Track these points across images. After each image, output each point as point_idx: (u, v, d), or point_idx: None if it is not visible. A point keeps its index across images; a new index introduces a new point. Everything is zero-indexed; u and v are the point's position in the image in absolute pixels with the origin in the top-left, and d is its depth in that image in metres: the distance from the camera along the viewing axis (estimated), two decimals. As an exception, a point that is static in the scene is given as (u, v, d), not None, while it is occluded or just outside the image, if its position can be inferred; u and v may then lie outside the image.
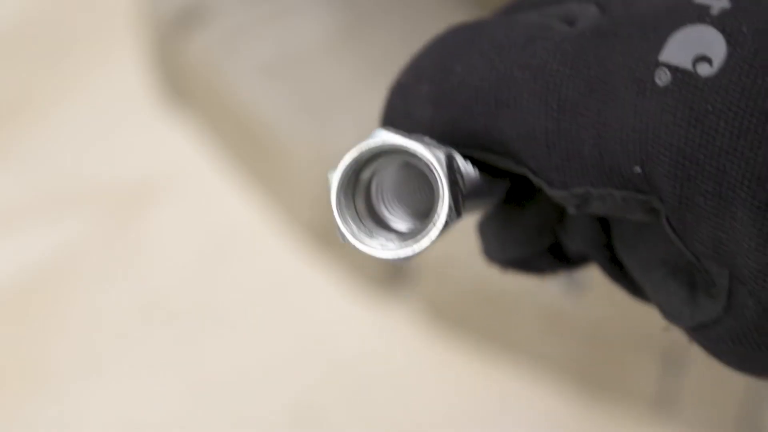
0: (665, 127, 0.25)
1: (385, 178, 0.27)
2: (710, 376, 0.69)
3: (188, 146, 0.91)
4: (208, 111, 0.90)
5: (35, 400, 0.76)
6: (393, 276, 0.80)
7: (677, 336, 0.70)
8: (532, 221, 0.30)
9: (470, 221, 0.35)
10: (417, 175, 0.27)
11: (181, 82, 0.92)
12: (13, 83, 0.98)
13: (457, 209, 0.25)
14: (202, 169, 0.90)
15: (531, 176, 0.28)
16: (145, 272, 0.83)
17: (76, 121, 0.94)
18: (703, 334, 0.28)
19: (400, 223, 0.27)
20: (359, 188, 0.26)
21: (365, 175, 0.26)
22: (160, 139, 0.92)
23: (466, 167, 0.27)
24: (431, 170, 0.25)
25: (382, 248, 0.26)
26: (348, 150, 0.26)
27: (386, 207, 0.27)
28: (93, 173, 0.91)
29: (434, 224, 0.25)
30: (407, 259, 0.25)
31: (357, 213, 0.26)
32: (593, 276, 0.69)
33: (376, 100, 0.89)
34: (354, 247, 0.26)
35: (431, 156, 0.25)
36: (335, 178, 0.26)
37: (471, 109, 0.28)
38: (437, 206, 0.25)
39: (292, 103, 0.82)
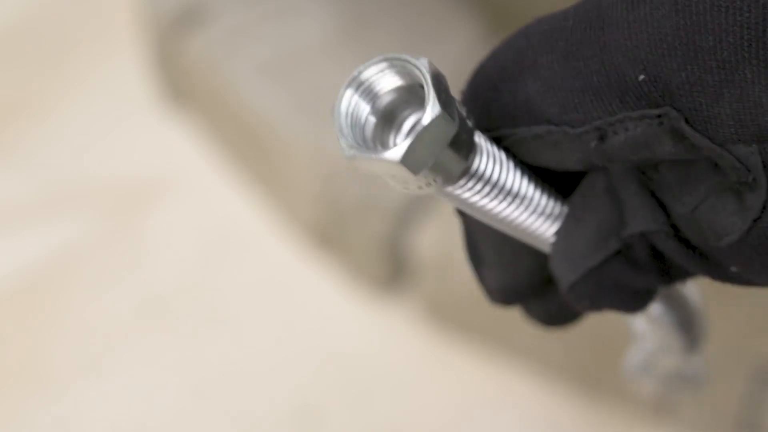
0: (656, 23, 0.26)
1: (407, 116, 0.29)
2: (710, 377, 0.69)
3: (188, 146, 0.91)
4: (208, 111, 0.90)
5: (36, 399, 0.76)
6: (393, 276, 0.80)
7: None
8: (593, 226, 0.31)
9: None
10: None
11: (181, 81, 0.92)
12: (14, 83, 0.98)
13: (447, 110, 0.26)
14: (202, 168, 0.90)
15: (554, 129, 0.29)
16: (145, 271, 0.83)
17: (77, 121, 0.94)
18: (757, 233, 0.28)
19: None
20: (396, 122, 0.28)
21: (381, 105, 0.28)
22: (161, 139, 0.92)
23: (484, 140, 0.29)
24: (420, 80, 0.27)
25: (376, 153, 0.27)
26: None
27: (396, 137, 0.29)
28: (93, 173, 0.91)
29: (421, 121, 0.26)
30: (389, 159, 0.26)
31: (362, 130, 0.28)
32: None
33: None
34: (350, 156, 0.27)
35: (414, 59, 0.27)
36: (339, 92, 0.28)
37: (501, 87, 0.30)
38: (427, 103, 0.26)
39: (292, 103, 0.82)
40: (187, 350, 0.79)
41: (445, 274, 0.75)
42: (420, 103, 0.28)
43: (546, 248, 0.33)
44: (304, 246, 0.83)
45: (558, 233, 0.32)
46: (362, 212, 0.78)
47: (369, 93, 0.28)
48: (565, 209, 0.32)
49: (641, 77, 0.27)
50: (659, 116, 0.27)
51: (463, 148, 0.27)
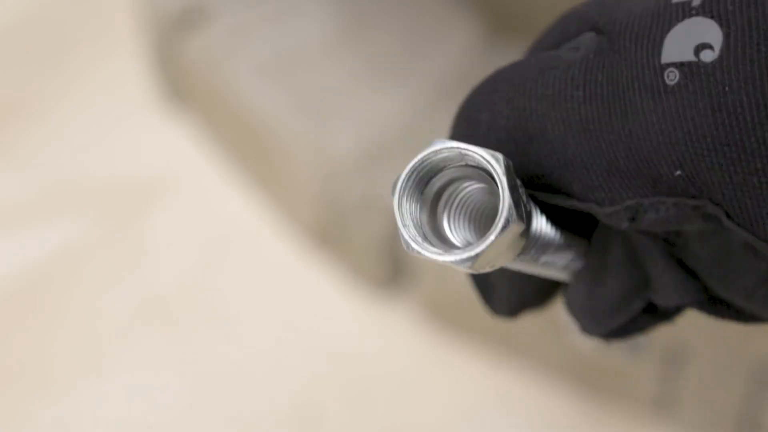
0: (691, 122, 0.25)
1: (459, 193, 0.28)
2: (710, 376, 0.69)
3: (188, 146, 0.91)
4: (209, 111, 0.90)
5: (36, 399, 0.76)
6: (393, 276, 0.80)
7: (677, 337, 0.70)
8: (615, 292, 0.30)
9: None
10: (490, 197, 0.28)
11: (181, 82, 0.92)
12: (14, 83, 0.98)
13: (519, 213, 0.25)
14: (202, 168, 0.90)
15: (578, 204, 0.28)
16: (145, 271, 0.83)
17: (77, 121, 0.94)
18: None
19: (460, 240, 0.28)
20: (425, 200, 0.27)
21: (432, 187, 0.27)
22: (161, 139, 0.92)
23: (530, 203, 0.28)
24: (491, 174, 0.25)
25: (444, 252, 0.26)
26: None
27: (450, 222, 0.28)
28: (93, 173, 0.91)
29: (496, 224, 0.25)
30: (466, 261, 0.25)
31: (421, 222, 0.27)
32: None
33: (375, 100, 0.89)
34: (416, 253, 0.26)
35: (488, 155, 0.25)
36: (398, 186, 0.26)
37: (504, 148, 0.28)
38: (500, 205, 0.25)
39: (292, 103, 0.82)
40: (187, 350, 0.79)
41: (445, 274, 0.75)
42: (473, 177, 0.27)
43: (560, 275, 0.32)
44: (304, 246, 0.83)
45: (575, 291, 0.32)
46: (362, 212, 0.78)
47: (423, 180, 0.27)
48: (581, 248, 0.31)
49: (677, 173, 0.26)
50: (696, 207, 0.26)
51: (526, 231, 0.27)
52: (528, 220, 0.26)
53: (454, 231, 0.28)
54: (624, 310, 0.31)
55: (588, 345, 0.69)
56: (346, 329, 0.79)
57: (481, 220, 0.28)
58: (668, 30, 0.26)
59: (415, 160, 0.26)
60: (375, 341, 0.78)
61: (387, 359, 0.77)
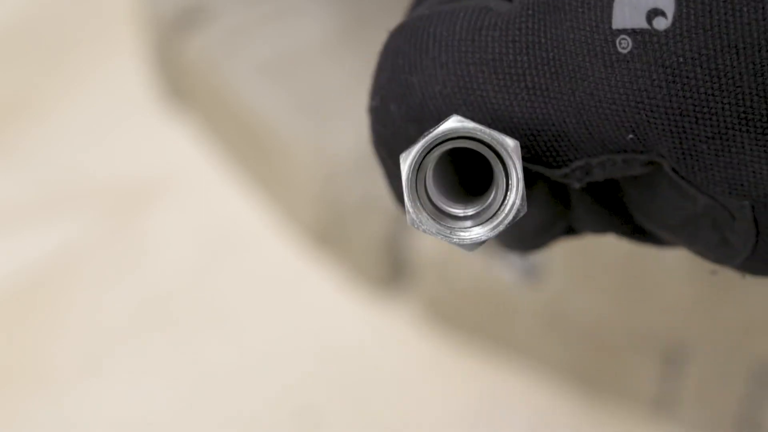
0: (645, 91, 0.25)
1: (429, 163, 0.26)
2: (710, 376, 0.69)
3: (188, 146, 0.91)
4: (208, 111, 0.90)
5: (36, 399, 0.76)
6: (393, 276, 0.80)
7: (677, 337, 0.70)
8: (538, 217, 0.30)
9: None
10: (450, 160, 0.27)
11: (181, 82, 0.92)
12: (14, 83, 0.98)
13: (527, 201, 0.25)
14: (202, 168, 0.90)
15: (528, 165, 0.28)
16: (145, 271, 0.83)
17: (77, 121, 0.94)
18: (747, 266, 0.28)
19: (453, 208, 0.27)
20: (420, 174, 0.26)
21: (427, 161, 0.26)
22: (160, 139, 0.92)
23: None
24: (502, 159, 0.25)
25: (448, 232, 0.25)
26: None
27: (435, 195, 0.27)
28: (93, 173, 0.91)
29: (506, 216, 0.25)
30: (472, 246, 0.25)
31: (420, 198, 0.26)
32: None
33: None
34: (426, 232, 0.25)
35: (510, 144, 0.25)
36: (408, 163, 0.25)
37: (444, 116, 0.27)
38: (512, 195, 0.25)
39: (292, 103, 0.82)
40: (187, 350, 0.79)
41: (445, 274, 0.75)
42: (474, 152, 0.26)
43: None
44: (304, 246, 0.83)
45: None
46: (362, 212, 0.78)
47: (431, 154, 0.26)
48: None
49: (630, 137, 0.25)
50: (644, 160, 0.26)
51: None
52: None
53: (435, 197, 0.26)
54: (547, 233, 0.31)
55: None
56: (345, 329, 0.79)
57: (447, 178, 0.27)
58: None
59: (431, 138, 0.25)
60: (375, 341, 0.78)
61: (387, 359, 0.77)
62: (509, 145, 0.25)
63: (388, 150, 0.29)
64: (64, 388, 0.77)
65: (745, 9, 0.24)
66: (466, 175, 0.29)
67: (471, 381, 0.75)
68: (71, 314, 0.81)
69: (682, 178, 0.26)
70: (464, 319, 0.77)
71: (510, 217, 0.25)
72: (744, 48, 0.24)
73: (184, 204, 0.88)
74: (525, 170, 0.27)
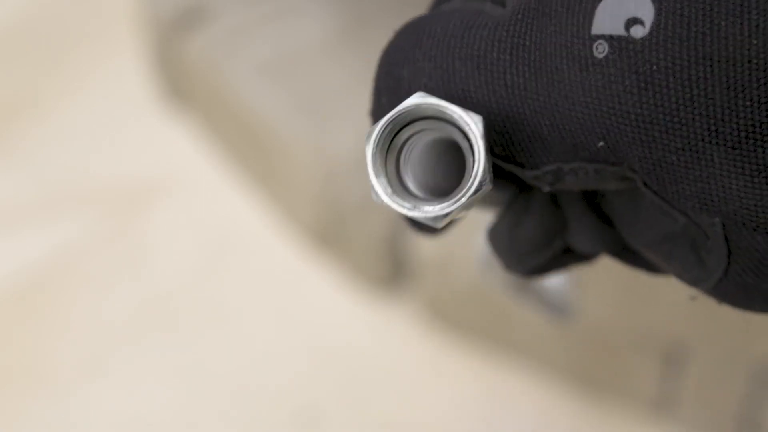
0: (617, 97, 0.25)
1: (415, 147, 0.27)
2: (710, 376, 0.69)
3: (188, 146, 0.91)
4: (209, 111, 0.90)
5: (37, 399, 0.76)
6: (393, 276, 0.80)
7: (677, 337, 0.70)
8: (536, 232, 0.31)
9: (471, 224, 0.35)
10: (444, 151, 0.27)
11: (181, 82, 0.92)
12: (14, 83, 0.98)
13: (491, 176, 0.25)
14: (202, 168, 0.90)
15: (501, 164, 0.28)
16: (145, 271, 0.83)
17: (78, 121, 0.94)
18: (720, 289, 0.28)
19: (415, 187, 0.27)
20: (392, 151, 0.27)
21: (399, 139, 0.27)
22: (161, 139, 0.92)
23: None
24: (466, 134, 0.25)
25: (413, 208, 0.26)
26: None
27: (410, 176, 0.27)
28: (93, 173, 0.91)
29: (470, 185, 0.25)
30: (435, 219, 0.25)
31: (388, 174, 0.26)
32: (587, 291, 0.69)
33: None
34: (387, 206, 0.26)
35: (468, 117, 0.25)
36: (373, 136, 0.26)
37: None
38: (474, 168, 0.25)
39: (292, 103, 0.82)
40: (187, 350, 0.79)
41: (445, 274, 0.75)
42: (440, 127, 0.26)
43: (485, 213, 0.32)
44: (304, 246, 0.83)
45: (498, 231, 0.32)
46: (362, 212, 0.78)
47: (396, 129, 0.26)
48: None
49: (600, 144, 0.26)
50: (615, 172, 0.26)
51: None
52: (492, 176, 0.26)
53: (410, 178, 0.27)
54: (543, 251, 0.31)
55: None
56: (345, 329, 0.79)
57: (437, 168, 0.28)
58: None
59: (394, 112, 0.26)
60: (375, 340, 0.78)
61: (387, 358, 0.77)
62: (470, 118, 0.25)
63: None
64: (64, 388, 0.77)
65: (723, 23, 0.24)
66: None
67: (471, 380, 0.75)
68: (72, 314, 0.81)
69: (654, 192, 0.26)
70: (464, 319, 0.77)
71: (473, 189, 0.25)
72: (719, 61, 0.24)
73: (185, 204, 0.88)
74: (499, 168, 0.28)
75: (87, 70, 0.98)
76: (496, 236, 0.32)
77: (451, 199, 0.25)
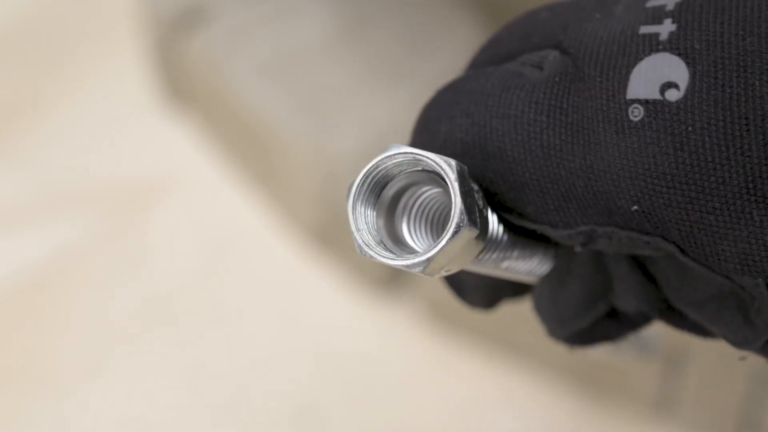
0: (653, 158, 0.25)
1: (417, 198, 0.28)
2: (710, 377, 0.69)
3: (189, 146, 0.91)
4: (209, 111, 0.90)
5: (37, 399, 0.76)
6: (393, 276, 0.80)
7: (677, 336, 0.70)
8: (579, 293, 0.31)
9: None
10: (448, 201, 0.28)
11: (181, 82, 0.92)
12: (14, 83, 0.98)
13: (472, 218, 0.25)
14: (203, 168, 0.90)
15: (531, 225, 0.28)
16: (146, 271, 0.83)
17: (78, 121, 0.94)
18: None
19: (421, 245, 0.27)
20: (381, 203, 0.27)
21: (389, 191, 0.27)
22: (161, 139, 0.92)
23: (486, 209, 0.28)
24: (444, 179, 0.25)
25: (395, 258, 0.26)
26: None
27: (409, 226, 0.28)
28: (94, 173, 0.91)
29: (448, 229, 0.25)
30: (417, 266, 0.25)
31: (377, 226, 0.27)
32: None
33: (375, 100, 0.89)
34: (369, 256, 0.26)
35: (441, 161, 0.25)
36: (353, 189, 0.27)
37: (458, 157, 0.28)
38: (452, 211, 0.25)
39: (292, 103, 0.82)
40: (187, 350, 0.79)
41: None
42: (430, 182, 0.27)
43: (526, 279, 0.32)
44: (304, 246, 0.83)
45: (541, 294, 0.32)
46: (362, 212, 0.78)
47: (379, 185, 0.27)
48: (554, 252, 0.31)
49: (634, 208, 0.26)
50: (648, 242, 0.26)
51: (481, 236, 0.26)
52: (484, 226, 0.26)
53: (414, 236, 0.28)
54: (587, 314, 0.31)
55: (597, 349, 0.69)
56: (346, 329, 0.79)
57: (440, 224, 0.28)
58: (635, 64, 0.26)
59: (370, 164, 0.26)
60: (375, 341, 0.78)
61: (387, 359, 0.77)
62: (444, 161, 0.25)
63: None
64: (64, 389, 0.77)
65: (757, 83, 0.24)
66: None
67: (471, 381, 0.76)
68: (72, 314, 0.81)
69: (693, 259, 0.26)
70: (465, 320, 0.77)
71: (450, 232, 0.25)
72: (754, 119, 0.24)
73: (185, 204, 0.88)
74: (530, 231, 0.28)
75: (87, 70, 0.98)
76: (538, 299, 0.32)
77: (432, 244, 0.25)
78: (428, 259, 0.25)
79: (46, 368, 0.78)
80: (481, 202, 0.26)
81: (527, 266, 0.30)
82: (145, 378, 0.77)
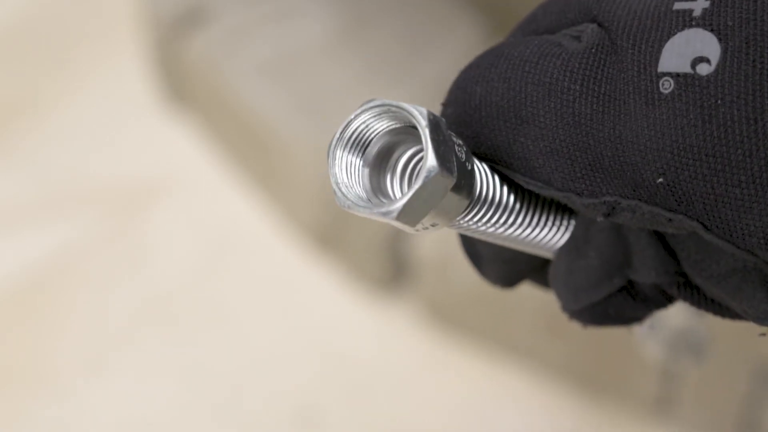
0: (681, 130, 0.25)
1: (402, 156, 0.28)
2: (710, 377, 0.69)
3: (189, 146, 0.91)
4: (209, 111, 0.90)
5: (37, 399, 0.76)
6: (393, 276, 0.80)
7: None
8: (596, 261, 0.31)
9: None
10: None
11: (181, 82, 0.92)
12: (14, 83, 0.98)
13: (445, 165, 0.25)
14: (203, 168, 0.90)
15: (556, 193, 0.28)
16: (146, 271, 0.83)
17: (78, 121, 0.94)
18: None
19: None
20: (366, 160, 0.27)
21: (374, 148, 0.28)
22: (161, 139, 0.92)
23: (481, 165, 0.28)
24: (415, 126, 0.26)
25: (371, 206, 0.26)
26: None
27: (394, 182, 0.28)
28: (94, 173, 0.91)
29: (419, 176, 0.25)
30: (389, 214, 0.26)
31: (358, 178, 0.27)
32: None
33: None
34: (346, 207, 0.26)
35: (413, 109, 0.26)
36: (333, 140, 0.27)
37: (493, 124, 0.29)
38: (425, 156, 0.25)
39: (292, 103, 0.82)
40: (188, 350, 0.79)
41: (445, 274, 0.75)
42: (415, 141, 0.27)
43: (549, 254, 0.32)
44: (304, 246, 0.83)
45: (558, 263, 0.32)
46: (362, 212, 0.78)
47: (362, 139, 0.27)
48: (567, 223, 0.31)
49: (659, 180, 0.26)
50: (671, 219, 0.27)
51: (463, 190, 0.27)
52: (464, 178, 0.27)
53: (400, 192, 0.28)
54: (602, 286, 0.31)
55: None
56: (346, 329, 0.79)
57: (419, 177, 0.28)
58: (667, 38, 0.26)
59: (350, 117, 0.27)
60: (375, 341, 0.78)
61: (387, 359, 0.77)
62: (416, 109, 0.26)
63: None
64: (64, 388, 0.77)
65: None
66: None
67: (471, 381, 0.76)
68: (72, 314, 0.81)
69: (716, 236, 0.26)
70: (464, 320, 0.77)
71: (422, 178, 0.25)
72: None
73: (185, 204, 0.88)
74: (556, 201, 0.28)
75: (87, 70, 0.98)
76: (555, 271, 0.32)
77: (400, 198, 0.25)
78: (403, 206, 0.25)
79: (46, 368, 0.78)
80: (463, 156, 0.27)
81: (537, 236, 0.31)
82: (144, 378, 0.77)
